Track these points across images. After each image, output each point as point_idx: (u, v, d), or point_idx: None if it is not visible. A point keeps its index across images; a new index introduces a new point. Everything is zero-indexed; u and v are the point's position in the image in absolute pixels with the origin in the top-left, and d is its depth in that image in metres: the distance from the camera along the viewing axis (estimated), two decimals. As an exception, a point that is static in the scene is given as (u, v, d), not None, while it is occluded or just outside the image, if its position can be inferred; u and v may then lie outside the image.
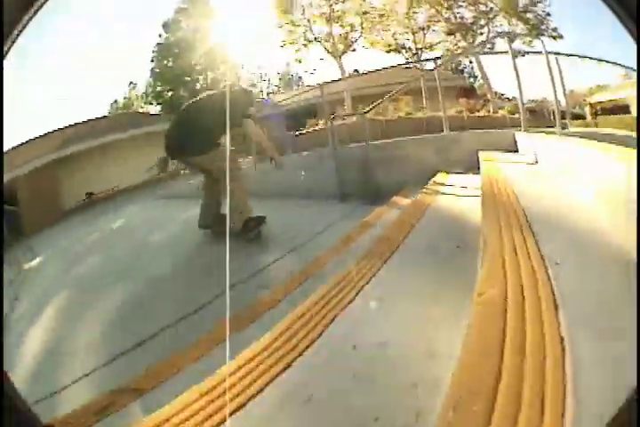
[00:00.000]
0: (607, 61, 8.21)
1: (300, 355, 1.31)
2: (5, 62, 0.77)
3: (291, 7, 21.16)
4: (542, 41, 5.76)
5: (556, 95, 5.35)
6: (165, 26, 29.28)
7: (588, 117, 22.37)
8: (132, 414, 1.50)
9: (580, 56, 7.16)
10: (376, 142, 5.62)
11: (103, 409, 1.55)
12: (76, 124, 17.18)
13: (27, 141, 14.77)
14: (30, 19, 0.76)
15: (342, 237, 3.12)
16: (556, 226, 1.78)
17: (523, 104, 5.47)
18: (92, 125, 17.03)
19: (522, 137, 4.74)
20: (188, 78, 26.14)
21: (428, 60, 20.41)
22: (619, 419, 0.57)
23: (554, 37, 22.36)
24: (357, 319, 1.49)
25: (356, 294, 1.66)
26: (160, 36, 29.40)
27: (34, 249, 7.80)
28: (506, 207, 2.04)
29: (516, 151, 4.73)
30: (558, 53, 5.81)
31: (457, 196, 3.29)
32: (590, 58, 7.49)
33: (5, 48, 0.75)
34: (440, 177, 4.33)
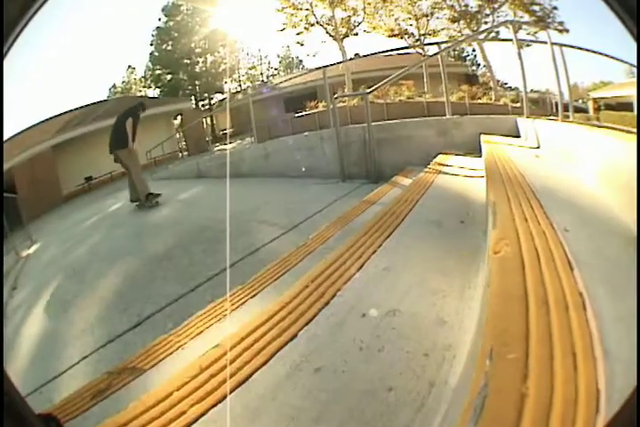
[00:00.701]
0: (611, 57, 8.17)
1: (306, 324, 1.29)
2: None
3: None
4: (548, 32, 5.67)
5: (559, 86, 5.32)
6: (165, 10, 28.85)
7: (591, 111, 22.41)
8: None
9: (585, 49, 7.07)
10: (378, 123, 5.59)
11: (101, 392, 1.53)
12: (73, 109, 17.02)
13: (25, 129, 14.64)
14: (30, 19, 0.74)
15: (346, 212, 3.12)
16: (562, 200, 1.78)
17: (526, 92, 5.44)
18: (89, 110, 16.91)
19: (523, 122, 4.71)
20: (188, 61, 25.88)
21: (431, 44, 20.15)
22: (619, 419, 0.56)
23: (559, 31, 22.17)
24: (364, 289, 1.49)
25: (362, 264, 1.66)
26: (159, 19, 28.94)
27: (32, 236, 7.83)
28: (511, 182, 2.03)
29: (518, 136, 4.71)
30: (563, 45, 5.73)
31: (459, 176, 3.28)
32: (594, 52, 7.43)
33: (5, 48, 0.71)
34: (441, 158, 4.30)
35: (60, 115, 16.40)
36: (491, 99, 16.01)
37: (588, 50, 7.09)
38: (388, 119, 6.78)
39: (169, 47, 26.64)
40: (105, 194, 10.00)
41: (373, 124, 5.28)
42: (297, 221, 3.75)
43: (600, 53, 7.60)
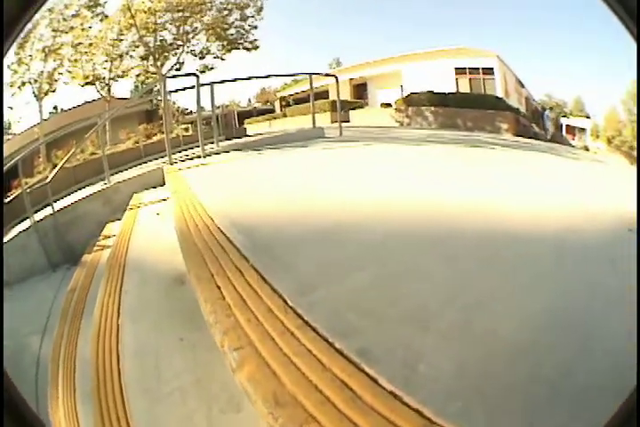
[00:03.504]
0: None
1: None
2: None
3: (25, 41, 18.94)
4: (197, 74, 6.92)
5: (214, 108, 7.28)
6: None
7: (277, 110, 25.68)
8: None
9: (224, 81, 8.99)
10: (63, 208, 6.22)
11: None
12: None
13: None
14: (30, 19, 0.77)
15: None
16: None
17: (168, 140, 6.96)
18: None
19: (167, 170, 5.55)
20: None
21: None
22: (618, 418, 0.60)
23: (248, 49, 24.31)
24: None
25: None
26: None
27: None
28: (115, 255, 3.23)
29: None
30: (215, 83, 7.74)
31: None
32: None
33: (5, 48, 0.76)
34: (107, 228, 5.18)
35: None
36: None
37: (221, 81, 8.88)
38: (79, 181, 8.21)
39: None
40: None
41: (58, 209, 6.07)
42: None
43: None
